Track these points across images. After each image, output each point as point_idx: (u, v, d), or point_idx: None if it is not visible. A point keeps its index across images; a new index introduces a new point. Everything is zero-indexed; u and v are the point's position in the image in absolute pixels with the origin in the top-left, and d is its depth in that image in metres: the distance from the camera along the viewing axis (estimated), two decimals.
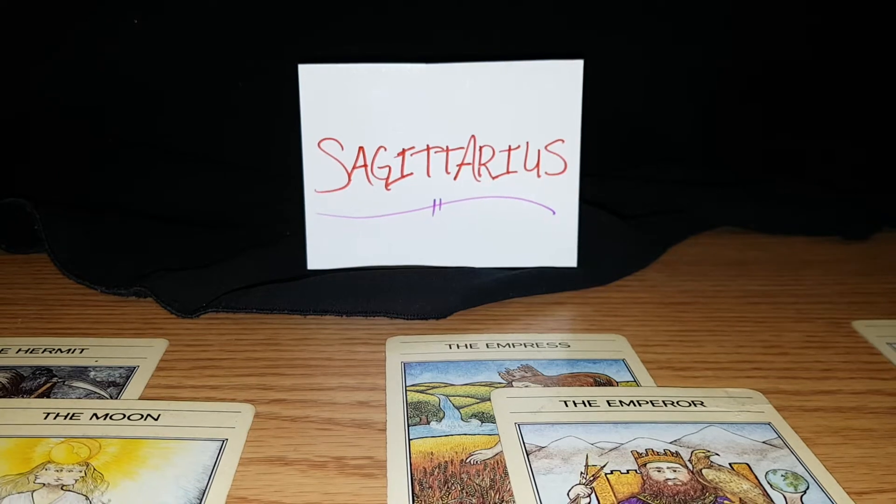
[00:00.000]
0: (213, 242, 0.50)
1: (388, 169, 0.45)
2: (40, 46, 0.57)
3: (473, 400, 0.34)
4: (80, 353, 0.37)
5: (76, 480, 0.28)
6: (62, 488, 0.28)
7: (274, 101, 0.51)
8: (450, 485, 0.28)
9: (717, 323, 0.42)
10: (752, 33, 0.59)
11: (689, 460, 0.30)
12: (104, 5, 0.57)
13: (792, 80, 0.60)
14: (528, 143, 0.45)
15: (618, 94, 0.57)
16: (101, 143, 0.57)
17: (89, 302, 0.43)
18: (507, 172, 0.45)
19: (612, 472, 0.29)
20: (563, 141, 0.45)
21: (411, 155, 0.45)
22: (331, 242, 0.45)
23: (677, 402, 0.33)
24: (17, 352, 0.37)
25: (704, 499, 0.28)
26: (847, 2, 0.60)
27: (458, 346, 0.39)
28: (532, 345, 0.39)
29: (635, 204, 0.54)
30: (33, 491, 0.28)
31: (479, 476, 0.29)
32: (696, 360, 0.38)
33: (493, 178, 0.45)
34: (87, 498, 0.27)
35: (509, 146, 0.45)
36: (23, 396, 0.34)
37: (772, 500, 0.28)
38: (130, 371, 0.36)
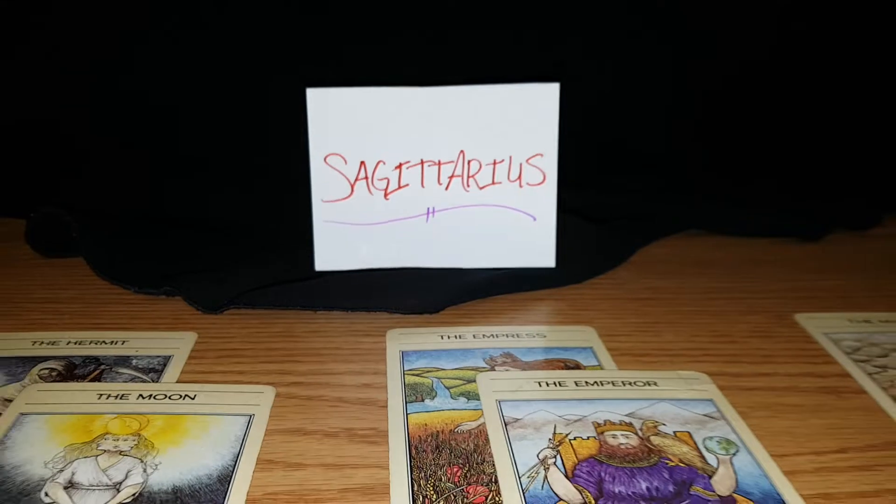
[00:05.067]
0: (229, 247, 0.55)
1: (386, 181, 0.50)
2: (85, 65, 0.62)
3: (461, 381, 0.40)
4: (122, 344, 0.43)
5: (131, 447, 0.34)
6: (120, 454, 0.34)
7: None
8: (440, 449, 0.34)
9: (677, 316, 0.48)
10: (714, 54, 0.64)
11: (639, 429, 0.36)
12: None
13: (754, 99, 0.65)
14: (511, 157, 0.50)
15: (592, 109, 0.62)
16: (133, 158, 0.62)
17: (124, 300, 0.48)
18: (493, 183, 0.51)
19: (574, 439, 0.35)
20: (542, 155, 0.50)
21: (407, 168, 0.50)
22: (336, 246, 0.51)
23: (634, 383, 0.39)
24: (66, 343, 0.43)
25: (650, 459, 0.33)
26: (811, 20, 0.65)
27: (448, 337, 0.44)
28: (513, 335, 0.45)
29: (608, 210, 0.60)
30: (97, 455, 0.33)
31: (465, 442, 0.35)
32: (655, 347, 0.44)
33: (480, 188, 0.51)
34: (142, 461, 0.33)
35: (494, 160, 0.50)
36: (77, 381, 0.40)
37: (706, 461, 0.33)
38: (167, 359, 0.42)
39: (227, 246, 0.55)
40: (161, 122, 0.62)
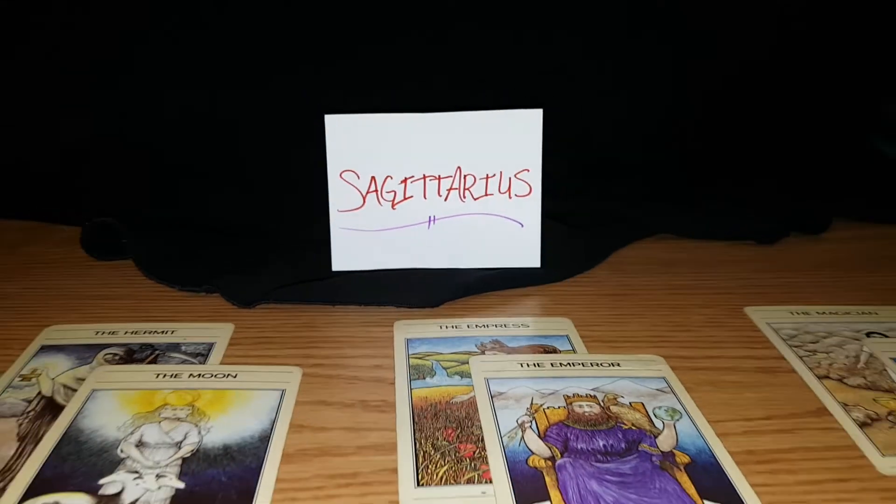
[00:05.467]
0: (258, 250, 0.63)
1: (393, 193, 0.58)
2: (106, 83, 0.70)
3: (456, 363, 0.47)
4: (172, 333, 0.51)
5: (187, 415, 0.42)
6: (178, 420, 0.41)
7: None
8: (438, 416, 0.42)
9: (643, 309, 0.55)
10: (686, 76, 0.72)
11: (602, 400, 0.43)
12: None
13: (720, 116, 0.73)
14: (501, 171, 0.58)
15: (575, 125, 0.69)
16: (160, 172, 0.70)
17: (170, 297, 0.56)
18: (486, 195, 0.58)
19: (548, 408, 0.43)
20: (528, 170, 0.57)
21: (411, 182, 0.58)
22: (350, 250, 0.58)
23: (600, 364, 0.47)
24: (124, 333, 0.51)
25: (608, 423, 0.41)
26: (776, 37, 0.72)
27: (446, 327, 0.52)
28: (501, 325, 0.52)
29: (587, 216, 0.67)
30: (159, 421, 0.41)
31: (458, 411, 0.42)
32: (621, 335, 0.52)
33: (475, 199, 0.58)
34: (196, 425, 0.41)
35: (487, 175, 0.58)
36: (136, 364, 0.48)
37: (654, 425, 0.41)
38: (210, 346, 0.49)
39: (257, 250, 0.63)
40: (222, 141, 0.69)
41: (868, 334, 0.52)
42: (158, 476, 0.37)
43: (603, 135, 0.72)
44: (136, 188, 0.69)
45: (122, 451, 0.39)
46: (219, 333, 0.51)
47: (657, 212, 0.69)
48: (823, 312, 0.55)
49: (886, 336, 0.51)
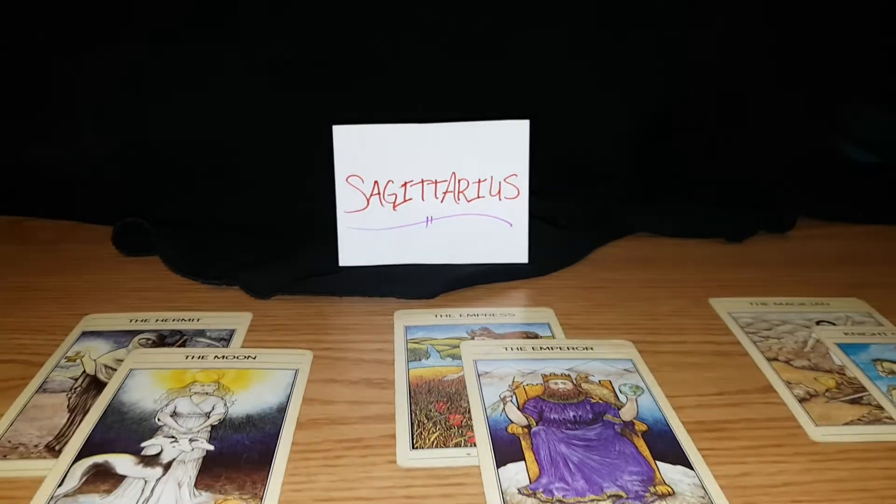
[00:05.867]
0: (272, 248, 0.69)
1: (395, 195, 0.64)
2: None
3: (449, 347, 0.54)
4: (197, 321, 0.57)
5: (214, 390, 0.48)
6: (206, 394, 0.48)
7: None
8: (431, 392, 0.48)
9: (618, 300, 0.62)
10: (661, 84, 0.78)
11: (574, 378, 0.50)
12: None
13: (699, 126, 0.79)
14: (492, 176, 0.64)
15: (561, 133, 0.75)
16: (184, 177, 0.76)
17: (194, 289, 0.62)
18: (478, 197, 0.64)
19: (527, 385, 0.49)
20: (516, 175, 0.63)
21: (411, 185, 0.64)
22: (356, 247, 0.64)
23: (575, 348, 0.53)
24: (155, 321, 0.57)
25: (579, 398, 0.48)
26: (750, 44, 0.78)
27: (441, 316, 0.58)
28: (490, 314, 0.59)
29: (570, 215, 0.73)
30: (190, 395, 0.48)
31: (449, 387, 0.49)
32: (597, 323, 0.58)
33: (468, 201, 0.64)
34: (222, 398, 0.47)
35: (479, 179, 0.64)
36: (167, 347, 0.54)
37: (619, 399, 0.48)
38: (231, 332, 0.56)
39: (272, 247, 0.69)
40: (242, 147, 0.75)
41: (818, 322, 0.58)
42: (191, 440, 0.44)
43: (586, 142, 0.78)
44: (161, 190, 0.75)
45: (159, 419, 0.45)
46: (239, 321, 0.57)
47: (635, 213, 0.75)
48: (780, 303, 0.61)
49: (834, 324, 0.58)
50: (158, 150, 0.76)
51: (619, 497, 0.39)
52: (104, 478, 0.41)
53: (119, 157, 0.76)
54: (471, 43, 0.75)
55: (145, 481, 0.40)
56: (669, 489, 0.40)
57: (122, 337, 0.55)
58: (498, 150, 0.63)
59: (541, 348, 0.53)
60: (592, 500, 0.39)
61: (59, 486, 0.40)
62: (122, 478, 0.41)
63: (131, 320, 0.57)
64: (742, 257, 0.71)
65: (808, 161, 0.80)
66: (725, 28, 0.77)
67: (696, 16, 0.77)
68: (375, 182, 0.63)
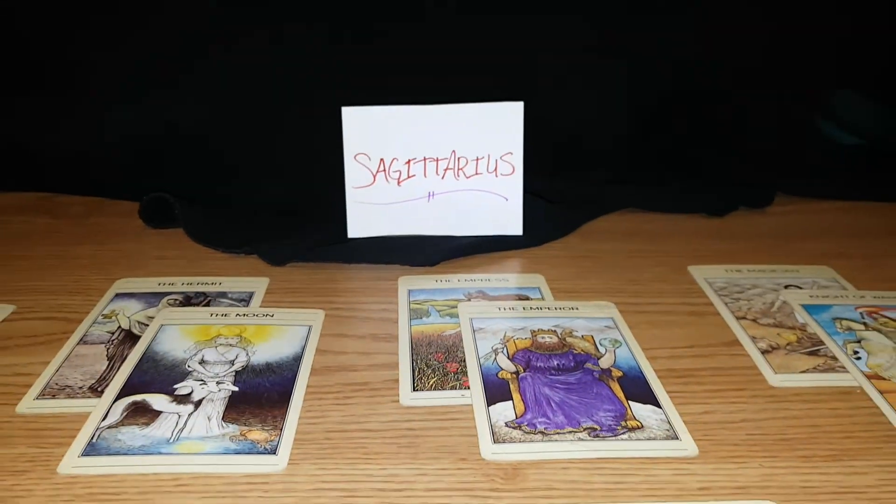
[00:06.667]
0: (286, 222, 0.75)
1: (399, 172, 0.69)
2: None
3: (448, 307, 0.59)
4: (220, 285, 0.63)
5: (237, 342, 0.54)
6: (230, 346, 0.54)
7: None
8: (431, 344, 0.54)
9: (604, 268, 0.67)
10: (646, 72, 0.83)
11: (560, 333, 0.55)
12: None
13: (685, 108, 0.84)
14: (489, 154, 0.69)
15: (554, 114, 0.80)
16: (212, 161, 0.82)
17: (215, 257, 0.68)
18: (476, 174, 0.69)
19: (517, 339, 0.54)
20: (511, 153, 0.69)
21: (414, 163, 0.69)
22: (363, 219, 0.69)
23: (562, 308, 0.59)
24: (182, 284, 0.63)
25: (563, 349, 0.53)
26: (733, 28, 0.83)
27: (441, 280, 0.64)
28: (485, 280, 0.64)
29: (564, 193, 0.79)
30: (216, 347, 0.53)
31: (447, 341, 0.54)
32: (583, 288, 0.63)
33: (467, 177, 0.70)
34: (245, 349, 0.53)
35: (477, 157, 0.69)
36: (193, 306, 0.60)
37: (598, 350, 0.53)
38: (250, 295, 0.61)
39: (285, 223, 0.74)
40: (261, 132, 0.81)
41: (786, 286, 0.63)
42: (218, 383, 0.49)
43: (578, 126, 0.84)
44: (186, 170, 0.81)
45: (188, 366, 0.51)
46: (257, 285, 0.63)
47: (623, 190, 0.80)
48: (753, 270, 0.66)
49: (801, 287, 0.63)
50: (182, 131, 0.81)
51: (594, 429, 0.45)
52: (142, 413, 0.46)
53: (144, 137, 0.81)
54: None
55: (179, 416, 0.46)
56: (639, 423, 0.46)
57: (152, 298, 0.61)
58: (494, 129, 0.68)
59: (531, 308, 0.59)
60: (570, 432, 0.45)
61: (103, 419, 0.46)
62: (158, 413, 0.46)
63: (159, 283, 0.63)
64: (722, 230, 0.76)
65: (788, 141, 0.85)
66: (708, 11, 0.82)
67: (680, 1, 0.82)
68: (381, 160, 0.68)
